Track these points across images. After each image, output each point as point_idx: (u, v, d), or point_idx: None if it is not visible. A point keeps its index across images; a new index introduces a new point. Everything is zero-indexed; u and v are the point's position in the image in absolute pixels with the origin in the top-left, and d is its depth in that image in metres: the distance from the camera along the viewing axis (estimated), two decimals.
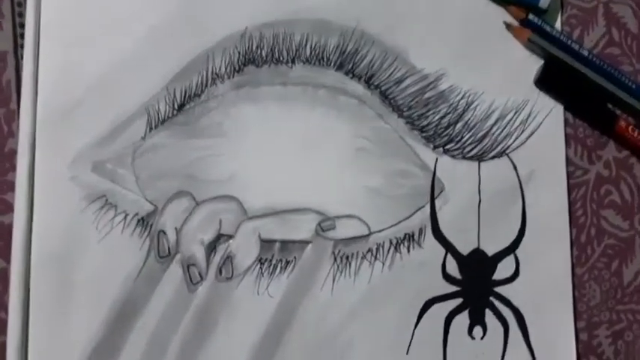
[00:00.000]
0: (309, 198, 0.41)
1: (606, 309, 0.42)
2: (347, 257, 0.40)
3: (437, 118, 0.41)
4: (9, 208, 0.40)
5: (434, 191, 0.41)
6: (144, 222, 0.40)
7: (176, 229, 0.40)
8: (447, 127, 0.41)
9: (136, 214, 0.40)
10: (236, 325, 0.40)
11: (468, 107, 0.42)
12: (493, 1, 0.43)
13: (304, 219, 0.40)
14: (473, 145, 0.41)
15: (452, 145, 0.41)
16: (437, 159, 0.41)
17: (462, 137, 0.41)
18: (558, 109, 0.42)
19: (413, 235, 0.41)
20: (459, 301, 0.41)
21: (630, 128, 0.42)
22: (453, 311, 0.40)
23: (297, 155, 0.41)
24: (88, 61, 0.41)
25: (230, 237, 0.40)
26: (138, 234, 0.40)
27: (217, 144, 0.41)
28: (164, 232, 0.40)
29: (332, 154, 0.41)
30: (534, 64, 0.42)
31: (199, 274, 0.40)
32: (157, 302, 0.39)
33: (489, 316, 0.41)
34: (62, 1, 0.41)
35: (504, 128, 0.42)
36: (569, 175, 0.42)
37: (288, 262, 0.40)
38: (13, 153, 0.40)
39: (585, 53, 0.42)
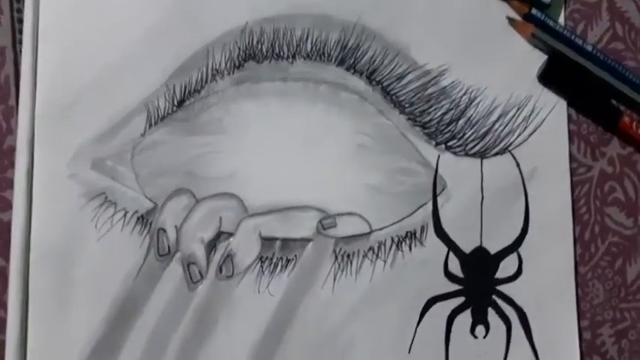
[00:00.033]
0: (309, 195, 0.40)
1: (610, 307, 0.42)
2: (348, 255, 0.40)
3: (439, 114, 0.41)
4: (8, 205, 0.40)
5: (436, 188, 0.41)
6: (143, 220, 0.40)
7: (176, 227, 0.40)
8: (449, 124, 0.41)
9: (136, 211, 0.40)
10: (236, 324, 0.39)
11: (471, 103, 0.41)
12: None
13: (305, 217, 0.40)
14: (475, 142, 0.41)
15: (454, 141, 0.41)
16: (439, 156, 0.41)
17: (465, 134, 0.41)
18: (561, 105, 0.42)
19: (415, 233, 0.40)
20: (461, 299, 0.40)
21: (634, 124, 0.41)
22: (455, 310, 0.40)
23: (297, 152, 0.41)
24: (87, 57, 0.41)
25: (230, 235, 0.40)
26: (138, 232, 0.40)
27: (217, 140, 0.40)
28: (164, 230, 0.40)
29: (333, 151, 0.41)
30: (537, 60, 0.42)
31: (199, 272, 0.39)
32: (156, 301, 0.39)
33: (492, 315, 0.40)
34: None
35: (507, 125, 0.41)
36: (572, 172, 0.42)
37: (288, 261, 0.40)
38: (12, 150, 0.40)
39: (589, 48, 0.42)
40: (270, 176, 0.40)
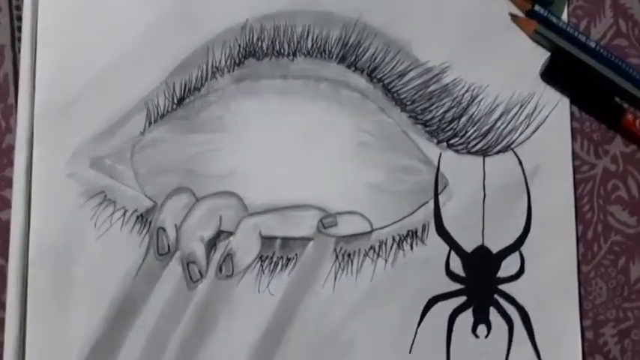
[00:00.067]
0: (310, 194, 0.40)
1: (613, 307, 0.41)
2: (349, 254, 0.40)
3: (441, 112, 0.41)
4: (6, 204, 0.40)
5: (437, 187, 0.41)
6: (143, 218, 0.40)
7: (176, 225, 0.40)
8: (450, 122, 0.41)
9: (135, 210, 0.40)
10: (236, 323, 0.39)
11: (473, 101, 0.41)
12: None
13: (305, 215, 0.40)
14: (477, 140, 0.41)
15: (456, 139, 0.41)
16: (440, 154, 0.41)
17: (466, 131, 0.41)
18: (564, 102, 0.42)
19: (416, 232, 0.40)
20: (462, 299, 0.40)
21: (638, 122, 0.41)
22: (457, 309, 0.40)
23: (298, 150, 0.41)
24: (86, 56, 0.40)
25: (230, 234, 0.40)
26: (137, 230, 0.40)
27: (217, 139, 0.40)
28: (163, 229, 0.39)
29: (334, 149, 0.41)
30: (540, 57, 0.42)
31: (199, 271, 0.39)
32: (156, 300, 0.39)
33: (494, 315, 0.40)
34: None
35: (509, 122, 0.41)
36: (575, 170, 0.42)
37: (289, 260, 0.40)
38: (11, 149, 0.40)
39: (592, 45, 0.41)
40: (271, 175, 0.40)
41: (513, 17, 0.42)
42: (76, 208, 0.39)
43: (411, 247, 0.40)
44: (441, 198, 0.41)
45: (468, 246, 0.40)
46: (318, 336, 0.40)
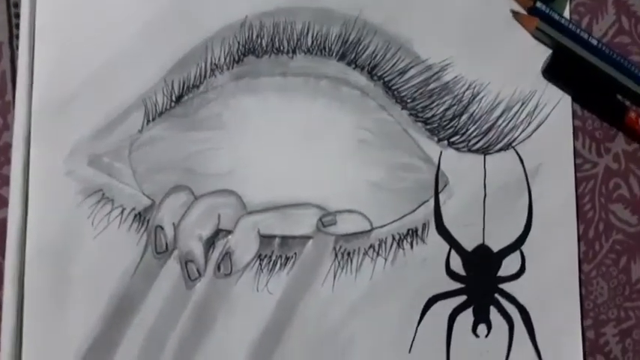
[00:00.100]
0: (309, 192, 0.40)
1: (614, 306, 0.41)
2: (348, 253, 0.40)
3: (441, 109, 0.41)
4: (3, 202, 0.40)
5: (438, 185, 0.40)
6: (141, 217, 0.39)
7: (174, 224, 0.39)
8: (451, 119, 0.41)
9: (133, 208, 0.40)
10: (235, 322, 0.39)
11: (474, 99, 0.41)
12: None
13: (305, 214, 0.40)
14: (478, 138, 0.41)
15: (457, 137, 0.41)
16: (441, 152, 0.41)
17: (467, 130, 0.41)
18: (566, 100, 0.42)
19: (416, 231, 0.40)
20: (463, 298, 0.40)
21: None
22: (457, 308, 0.40)
23: (297, 148, 0.40)
24: (84, 53, 0.40)
25: (229, 232, 0.40)
26: (135, 229, 0.39)
27: (216, 136, 0.40)
28: (161, 228, 0.39)
29: (334, 147, 0.40)
30: (542, 54, 0.42)
31: (197, 270, 0.39)
32: (154, 298, 0.39)
33: (494, 314, 0.40)
34: None
35: (511, 120, 0.41)
36: (576, 169, 0.41)
37: (288, 258, 0.40)
38: (8, 146, 0.40)
39: (594, 42, 0.41)
40: (270, 173, 0.40)
41: (515, 14, 0.42)
42: (73, 206, 0.39)
43: (411, 246, 0.40)
44: (441, 196, 0.40)
45: (469, 245, 0.40)
46: (317, 335, 0.39)
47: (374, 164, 0.40)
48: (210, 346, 0.39)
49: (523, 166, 0.41)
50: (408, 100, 0.41)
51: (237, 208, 0.40)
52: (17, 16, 0.41)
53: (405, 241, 0.40)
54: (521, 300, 0.40)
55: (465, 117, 0.41)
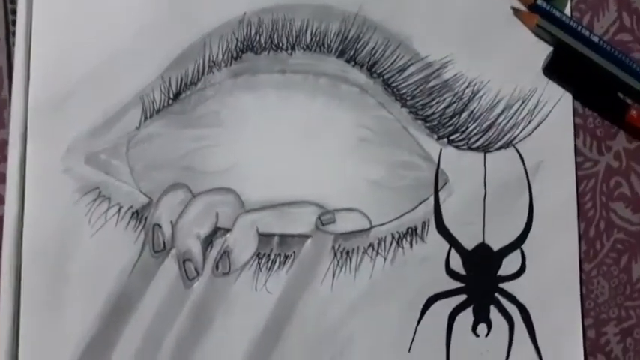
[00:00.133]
0: (308, 190, 0.40)
1: (615, 305, 0.41)
2: (347, 252, 0.40)
3: (441, 107, 0.40)
4: (0, 200, 0.39)
5: (438, 183, 0.40)
6: (138, 215, 0.39)
7: (171, 222, 0.39)
8: (451, 117, 0.40)
9: (131, 206, 0.39)
10: (233, 322, 0.39)
11: (474, 96, 0.41)
12: None
13: (304, 212, 0.40)
14: (478, 136, 0.41)
15: (457, 135, 0.40)
16: (441, 150, 0.40)
17: (467, 127, 0.41)
18: (567, 97, 0.41)
19: (416, 229, 0.40)
20: (462, 297, 0.40)
21: None
22: (457, 308, 0.40)
23: (296, 146, 0.40)
24: (81, 49, 0.40)
25: (227, 231, 0.39)
26: (132, 227, 0.39)
27: (214, 134, 0.40)
28: (159, 226, 0.39)
29: (333, 145, 0.40)
30: (542, 51, 0.41)
31: (195, 269, 0.39)
32: (152, 297, 0.39)
33: (494, 313, 0.40)
34: None
35: (511, 118, 0.41)
36: (577, 167, 0.41)
37: (287, 257, 0.39)
38: (5, 144, 0.40)
39: (595, 39, 0.41)
40: (268, 171, 0.40)
41: (515, 11, 0.41)
42: (70, 204, 0.39)
43: (411, 245, 0.40)
44: (441, 195, 0.40)
45: (469, 243, 0.40)
46: (316, 334, 0.39)
47: (373, 162, 0.40)
48: (209, 346, 0.39)
49: (523, 164, 0.41)
50: (408, 98, 0.40)
51: (236, 206, 0.39)
52: (14, 12, 0.40)
53: (404, 240, 0.40)
54: (522, 299, 0.40)
55: (465, 115, 0.41)
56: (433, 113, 0.40)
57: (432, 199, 0.40)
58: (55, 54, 0.40)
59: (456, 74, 0.41)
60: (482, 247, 0.40)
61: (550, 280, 0.40)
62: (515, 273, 0.40)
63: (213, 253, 0.39)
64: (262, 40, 0.40)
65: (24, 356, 0.38)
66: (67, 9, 0.40)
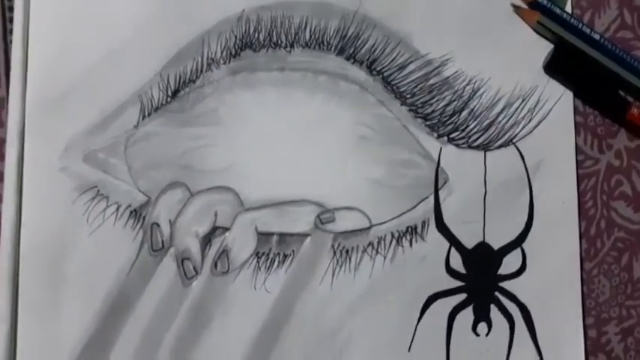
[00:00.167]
0: (308, 189, 0.40)
1: (616, 305, 0.41)
2: (347, 251, 0.39)
3: (441, 105, 0.40)
4: None
5: (438, 182, 0.40)
6: (137, 214, 0.39)
7: (170, 221, 0.39)
8: (451, 115, 0.40)
9: (129, 205, 0.39)
10: (232, 321, 0.39)
11: (474, 94, 0.41)
12: None
13: (303, 211, 0.39)
14: (478, 134, 0.40)
15: (457, 133, 0.40)
16: (441, 148, 0.40)
17: (468, 126, 0.40)
18: (568, 95, 0.41)
19: (415, 228, 0.40)
20: (463, 296, 0.40)
21: None
22: (457, 307, 0.40)
23: (295, 144, 0.40)
24: (79, 47, 0.40)
25: (226, 229, 0.39)
26: (130, 226, 0.39)
27: (213, 132, 0.40)
28: (157, 225, 0.39)
29: (332, 143, 0.40)
30: (543, 49, 0.41)
31: (194, 268, 0.39)
32: (150, 297, 0.39)
33: (494, 312, 0.40)
34: None
35: (511, 116, 0.41)
36: (578, 165, 0.41)
37: (286, 256, 0.39)
38: (2, 142, 0.39)
39: (596, 37, 0.41)
40: (267, 169, 0.40)
41: (516, 8, 0.41)
42: (68, 202, 0.39)
43: (411, 244, 0.40)
44: (441, 193, 0.40)
45: (469, 242, 0.40)
46: (315, 334, 0.39)
47: (373, 161, 0.40)
48: (207, 345, 0.39)
49: (524, 162, 0.41)
50: (408, 96, 0.40)
51: (235, 204, 0.39)
52: (11, 9, 0.40)
53: (404, 239, 0.40)
54: (522, 298, 0.40)
55: (465, 113, 0.40)
56: (433, 111, 0.40)
57: (431, 198, 0.40)
58: (53, 51, 0.40)
59: (456, 72, 0.41)
60: (483, 246, 0.40)
61: (551, 279, 0.40)
62: (515, 272, 0.40)
63: (212, 252, 0.39)
64: (261, 38, 0.40)
65: (22, 356, 0.38)
66: (64, 6, 0.40)
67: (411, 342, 0.39)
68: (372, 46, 0.40)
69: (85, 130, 0.39)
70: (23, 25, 0.40)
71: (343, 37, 0.40)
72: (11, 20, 0.40)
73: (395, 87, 0.40)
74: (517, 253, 0.40)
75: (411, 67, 0.40)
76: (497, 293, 0.40)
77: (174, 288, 0.39)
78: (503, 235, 0.40)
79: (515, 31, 0.41)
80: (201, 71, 0.40)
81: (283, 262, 0.39)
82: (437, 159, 0.40)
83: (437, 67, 0.41)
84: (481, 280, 0.40)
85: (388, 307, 0.39)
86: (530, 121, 0.41)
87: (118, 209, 0.39)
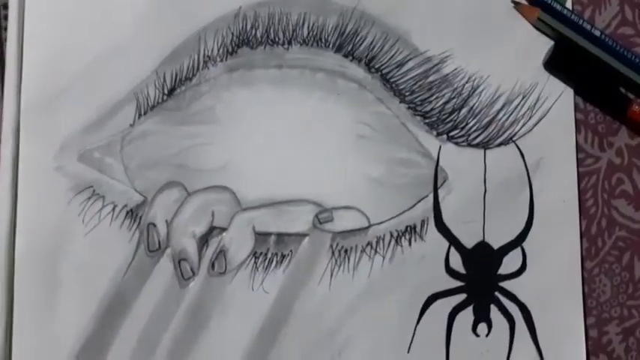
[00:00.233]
0: (306, 188, 0.39)
1: (617, 304, 0.41)
2: (345, 251, 0.39)
3: (440, 103, 0.40)
4: None
5: (437, 181, 0.40)
6: (133, 214, 0.39)
7: (167, 221, 0.39)
8: (451, 113, 0.40)
9: (125, 205, 0.39)
10: (230, 322, 0.39)
11: (474, 92, 0.40)
12: None
13: (301, 210, 0.39)
14: (478, 132, 0.40)
15: (456, 131, 0.40)
16: (440, 146, 0.40)
17: (467, 123, 0.40)
18: (568, 93, 0.41)
19: (415, 227, 0.40)
20: (462, 296, 0.40)
21: None
22: (457, 307, 0.40)
23: (293, 143, 0.40)
24: (74, 45, 0.40)
25: (223, 230, 0.39)
26: (127, 226, 0.39)
27: (209, 131, 0.39)
28: (154, 225, 0.39)
29: (330, 142, 0.40)
30: (543, 46, 0.41)
31: (191, 269, 0.39)
32: (147, 298, 0.38)
33: (494, 312, 0.40)
34: None
35: (511, 114, 0.40)
36: (579, 163, 0.41)
37: (284, 256, 0.39)
38: None
39: (597, 33, 0.41)
40: (265, 168, 0.39)
41: (516, 4, 0.41)
42: (63, 203, 0.39)
43: (410, 243, 0.39)
44: (440, 192, 0.40)
45: (469, 242, 0.40)
46: (313, 334, 0.39)
47: (371, 159, 0.40)
48: (205, 347, 0.38)
49: (524, 160, 0.40)
50: (407, 93, 0.40)
51: (232, 204, 0.39)
52: (5, 6, 0.40)
53: (403, 239, 0.39)
54: (522, 298, 0.40)
55: (464, 110, 0.40)
56: (432, 109, 0.40)
57: (431, 197, 0.40)
58: (48, 49, 0.39)
59: (456, 69, 0.40)
60: (483, 246, 0.40)
61: (551, 279, 0.40)
62: (515, 272, 0.40)
63: (209, 253, 0.39)
64: (258, 35, 0.40)
65: (17, 358, 0.38)
66: (59, 4, 0.40)
67: (411, 343, 0.39)
68: (371, 43, 0.40)
69: (81, 129, 0.39)
70: (18, 24, 0.39)
71: (341, 34, 0.40)
72: (6, 18, 0.40)
73: (394, 84, 0.40)
74: (517, 252, 0.40)
75: (410, 64, 0.40)
76: (497, 293, 0.40)
77: (171, 289, 0.38)
78: (503, 234, 0.40)
79: (515, 28, 0.41)
80: (198, 69, 0.40)
81: (281, 262, 0.39)
82: (436, 157, 0.40)
83: (436, 64, 0.40)
84: (481, 279, 0.40)
85: (387, 308, 0.39)
86: (530, 118, 0.41)
87: (114, 209, 0.39)
